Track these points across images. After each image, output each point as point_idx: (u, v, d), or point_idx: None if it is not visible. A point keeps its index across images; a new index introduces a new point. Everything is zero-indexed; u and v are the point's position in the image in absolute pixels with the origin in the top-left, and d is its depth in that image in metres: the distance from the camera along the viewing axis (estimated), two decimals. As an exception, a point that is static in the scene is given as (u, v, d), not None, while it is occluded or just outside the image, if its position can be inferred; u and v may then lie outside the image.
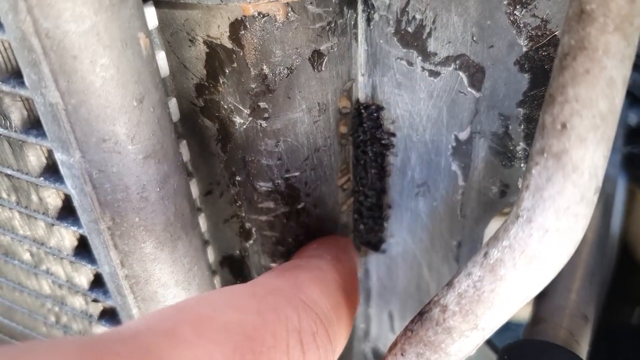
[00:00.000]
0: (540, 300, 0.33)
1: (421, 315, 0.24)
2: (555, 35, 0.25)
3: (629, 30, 0.19)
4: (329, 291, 0.28)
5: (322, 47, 0.28)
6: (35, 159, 0.28)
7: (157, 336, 0.18)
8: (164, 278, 0.28)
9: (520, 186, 0.31)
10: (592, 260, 0.34)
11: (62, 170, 0.25)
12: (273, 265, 0.35)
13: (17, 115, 0.26)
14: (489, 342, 0.40)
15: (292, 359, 0.22)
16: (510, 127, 0.29)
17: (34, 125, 0.26)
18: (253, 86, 0.27)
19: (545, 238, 0.19)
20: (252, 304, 0.23)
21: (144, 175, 0.24)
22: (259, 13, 0.25)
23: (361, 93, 0.32)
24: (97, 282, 0.33)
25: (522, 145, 0.29)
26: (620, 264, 0.43)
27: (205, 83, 0.28)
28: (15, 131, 0.26)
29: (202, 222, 0.35)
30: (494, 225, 0.34)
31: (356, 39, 0.29)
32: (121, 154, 0.23)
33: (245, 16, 0.25)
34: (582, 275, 0.34)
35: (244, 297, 0.23)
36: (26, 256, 0.35)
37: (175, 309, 0.21)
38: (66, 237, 0.31)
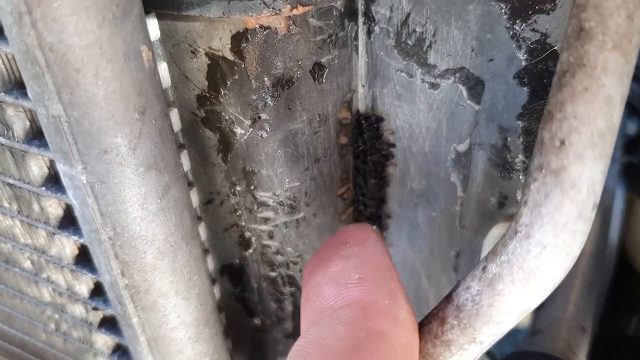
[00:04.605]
0: (538, 311, 0.34)
1: (419, 328, 0.24)
2: (555, 49, 0.26)
3: (628, 48, 0.19)
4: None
5: (323, 60, 0.28)
6: (37, 169, 0.28)
7: None
8: (164, 288, 0.29)
9: (518, 198, 0.31)
10: (591, 271, 0.35)
11: (64, 181, 0.25)
12: (272, 274, 0.35)
13: (19, 125, 0.26)
14: (488, 353, 0.40)
15: None
16: (509, 140, 0.29)
17: (36, 136, 0.26)
18: (254, 97, 0.27)
19: (543, 254, 0.19)
20: None
21: (145, 186, 0.25)
22: (261, 26, 0.25)
23: (361, 104, 0.32)
24: (98, 291, 0.33)
25: (520, 157, 0.30)
26: (619, 274, 0.43)
27: (207, 94, 0.28)
28: (18, 141, 0.26)
29: (202, 230, 0.35)
30: (492, 236, 0.34)
31: (357, 51, 0.30)
32: (123, 166, 0.24)
33: (247, 29, 0.25)
34: (580, 286, 0.34)
35: None
36: (27, 264, 0.35)
37: None
38: (67, 246, 0.31)
